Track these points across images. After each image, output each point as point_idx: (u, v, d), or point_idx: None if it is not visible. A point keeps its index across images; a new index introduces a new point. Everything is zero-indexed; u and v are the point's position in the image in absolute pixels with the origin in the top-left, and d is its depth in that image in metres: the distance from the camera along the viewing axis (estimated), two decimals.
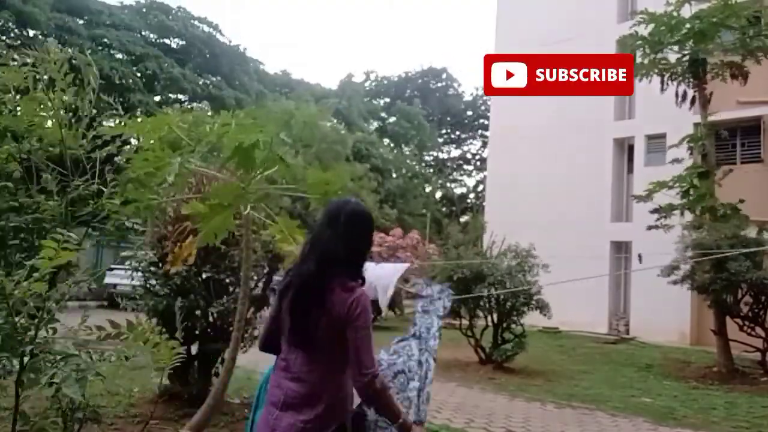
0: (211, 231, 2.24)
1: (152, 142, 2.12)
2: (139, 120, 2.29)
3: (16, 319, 1.82)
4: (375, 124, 39.59)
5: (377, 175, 29.16)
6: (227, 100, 25.08)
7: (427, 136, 40.91)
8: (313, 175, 2.21)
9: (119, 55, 23.79)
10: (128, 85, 22.41)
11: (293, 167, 2.26)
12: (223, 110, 2.41)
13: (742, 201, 10.42)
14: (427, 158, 41.80)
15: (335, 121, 30.94)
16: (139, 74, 23.60)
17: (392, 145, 39.19)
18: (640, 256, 12.58)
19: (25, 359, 1.87)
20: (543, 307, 9.16)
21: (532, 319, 9.38)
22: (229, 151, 2.02)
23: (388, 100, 45.34)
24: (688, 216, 10.89)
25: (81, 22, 22.97)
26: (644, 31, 11.08)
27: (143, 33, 25.75)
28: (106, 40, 23.37)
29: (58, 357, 1.90)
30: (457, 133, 46.04)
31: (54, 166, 2.44)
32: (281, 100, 27.68)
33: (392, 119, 42.44)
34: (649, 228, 10.92)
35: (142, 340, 2.23)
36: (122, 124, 2.37)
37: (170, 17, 26.89)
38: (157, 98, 24.54)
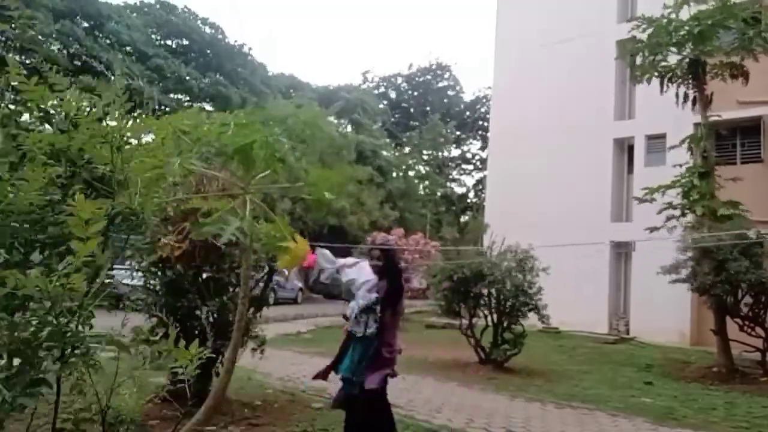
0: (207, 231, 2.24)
1: (158, 142, 2.12)
2: (142, 120, 2.28)
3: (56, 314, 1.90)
4: (377, 125, 39.63)
5: (380, 177, 29.16)
6: (231, 100, 25.12)
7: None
8: (314, 174, 2.21)
9: (127, 51, 23.95)
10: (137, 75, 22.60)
11: (293, 168, 2.26)
12: (224, 110, 2.41)
13: (739, 203, 10.43)
14: (425, 157, 41.81)
15: (341, 122, 30.91)
16: (147, 71, 23.73)
17: (393, 144, 39.20)
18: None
19: (67, 352, 1.95)
20: (540, 309, 9.10)
21: (532, 319, 9.37)
22: (230, 151, 2.02)
23: (386, 101, 45.37)
24: (689, 216, 10.88)
25: (85, 25, 23.05)
26: (643, 34, 11.10)
27: (149, 32, 25.82)
28: (117, 38, 23.53)
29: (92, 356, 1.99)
30: (458, 133, 46.08)
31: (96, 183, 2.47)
32: (284, 101, 27.65)
33: (393, 119, 42.42)
34: (651, 230, 10.91)
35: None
36: (127, 123, 2.37)
37: (174, 17, 26.92)
38: (159, 98, 24.60)
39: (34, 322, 1.87)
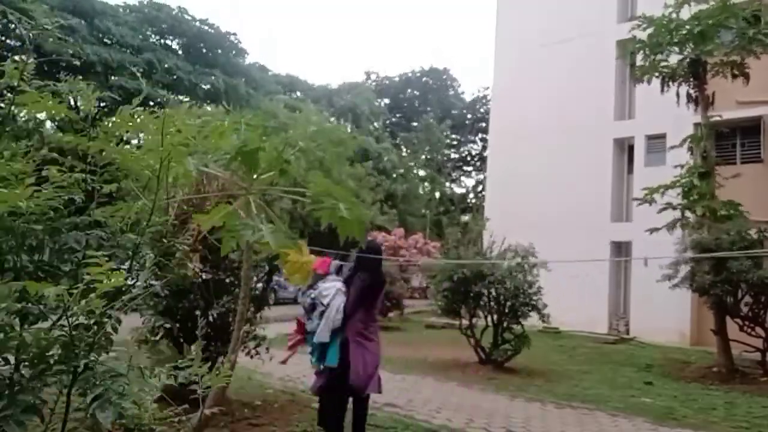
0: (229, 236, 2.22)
1: (160, 141, 2.11)
2: (141, 118, 2.27)
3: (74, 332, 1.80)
4: (376, 124, 39.60)
5: (383, 178, 29.16)
6: (230, 100, 25.13)
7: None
8: (317, 184, 2.21)
9: (122, 49, 24.03)
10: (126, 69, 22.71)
11: (295, 170, 2.25)
12: (227, 109, 2.40)
13: (739, 204, 10.42)
14: (424, 158, 41.80)
15: (341, 121, 30.92)
16: (138, 68, 23.83)
17: (392, 144, 39.24)
18: (645, 260, 12.57)
19: (79, 371, 1.83)
20: (540, 309, 9.08)
21: (532, 319, 9.37)
22: (234, 151, 2.01)
23: (387, 100, 45.37)
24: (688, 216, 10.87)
25: (84, 23, 23.09)
26: (643, 34, 11.10)
27: (143, 30, 25.84)
28: (110, 36, 23.61)
29: (108, 375, 1.84)
30: (456, 136, 46.03)
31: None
32: (284, 101, 27.70)
33: (394, 119, 42.43)
34: (651, 231, 10.89)
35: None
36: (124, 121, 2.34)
37: (170, 17, 26.93)
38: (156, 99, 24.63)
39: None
